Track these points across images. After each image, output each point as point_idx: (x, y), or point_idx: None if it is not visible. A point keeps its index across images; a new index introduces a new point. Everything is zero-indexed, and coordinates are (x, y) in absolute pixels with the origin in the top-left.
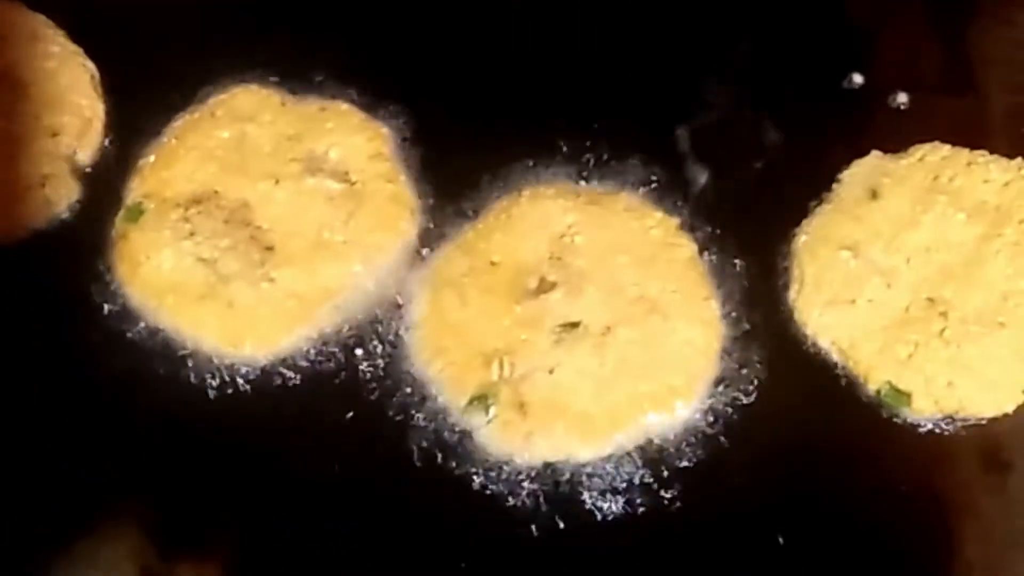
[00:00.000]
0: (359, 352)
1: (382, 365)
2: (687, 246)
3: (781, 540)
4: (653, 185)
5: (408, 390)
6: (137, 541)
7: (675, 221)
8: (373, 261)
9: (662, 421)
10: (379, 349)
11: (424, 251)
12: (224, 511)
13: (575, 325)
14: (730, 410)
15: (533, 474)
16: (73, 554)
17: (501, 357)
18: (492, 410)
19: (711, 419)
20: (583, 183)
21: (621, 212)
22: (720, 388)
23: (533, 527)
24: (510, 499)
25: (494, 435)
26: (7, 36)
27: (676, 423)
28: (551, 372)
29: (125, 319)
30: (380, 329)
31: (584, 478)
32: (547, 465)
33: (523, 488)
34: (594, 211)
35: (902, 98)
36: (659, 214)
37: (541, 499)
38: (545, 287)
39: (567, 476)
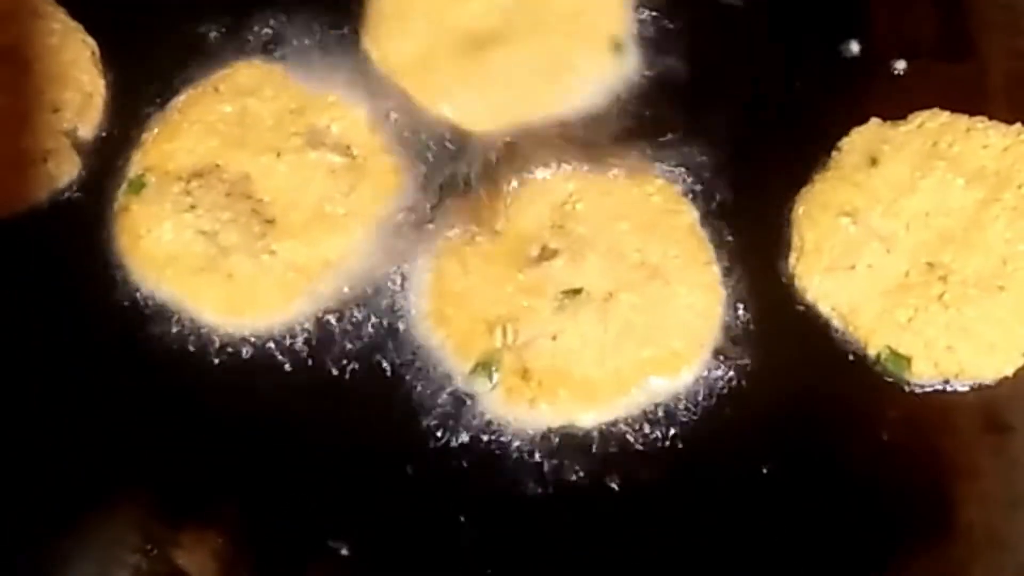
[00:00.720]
0: (361, 321)
1: (384, 334)
2: (687, 212)
3: (782, 501)
4: (653, 152)
5: (411, 357)
6: (141, 511)
7: (676, 188)
8: (374, 233)
9: (665, 386)
10: (382, 319)
11: (429, 225)
12: (227, 479)
13: (577, 292)
14: (732, 375)
15: (538, 439)
16: (77, 525)
17: (504, 324)
18: (496, 376)
19: (713, 384)
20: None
21: (622, 179)
22: (721, 355)
23: (537, 489)
24: (514, 463)
25: (498, 401)
26: (9, 13)
27: (679, 387)
28: (554, 339)
29: (126, 291)
30: (382, 299)
31: (588, 443)
32: (551, 430)
33: (527, 453)
34: (595, 178)
35: (900, 65)
36: (660, 181)
37: (545, 464)
38: (547, 254)
39: (571, 441)
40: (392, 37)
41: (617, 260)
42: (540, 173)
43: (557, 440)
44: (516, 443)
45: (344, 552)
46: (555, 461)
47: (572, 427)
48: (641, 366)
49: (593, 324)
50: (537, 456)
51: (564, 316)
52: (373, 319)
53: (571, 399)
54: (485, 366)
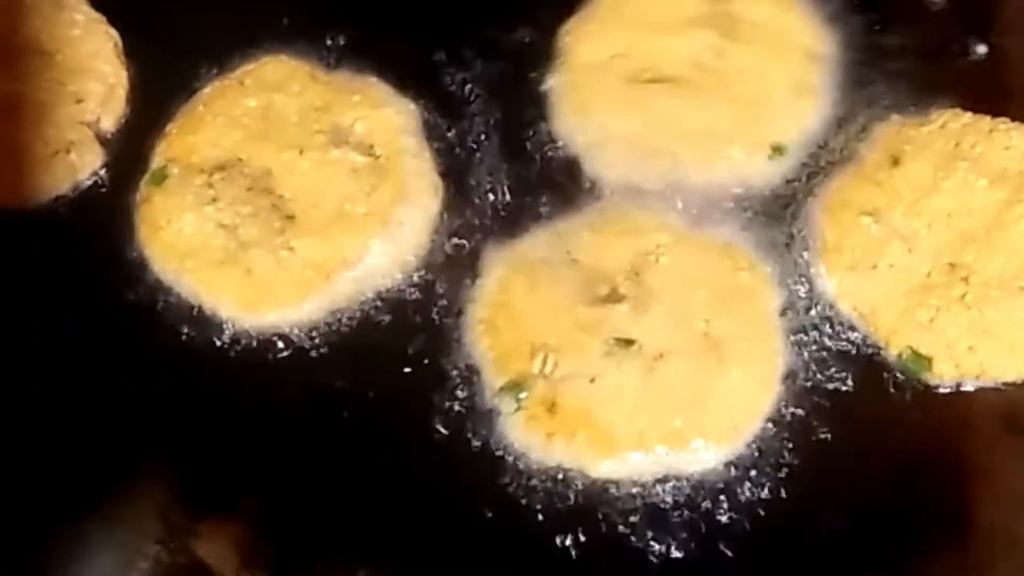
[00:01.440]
0: (386, 319)
1: (413, 334)
2: (772, 298)
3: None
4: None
5: (444, 361)
6: (162, 499)
7: (767, 270)
8: (393, 234)
9: (686, 461)
10: (412, 318)
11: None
12: (248, 471)
13: (630, 342)
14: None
15: (546, 474)
16: (99, 513)
17: (548, 353)
18: (522, 401)
19: (738, 472)
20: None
21: (716, 247)
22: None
23: (539, 519)
24: (522, 492)
25: (517, 425)
26: (31, 4)
27: (700, 466)
28: (592, 381)
29: (146, 282)
30: (408, 300)
31: (593, 493)
32: (561, 469)
33: (535, 485)
34: (689, 238)
35: (923, 64)
36: (754, 258)
37: (554, 500)
38: (614, 297)
39: (579, 486)
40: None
41: (681, 323)
42: (637, 216)
43: (562, 479)
44: (528, 472)
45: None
46: (558, 500)
47: (581, 472)
48: (667, 435)
49: (635, 378)
50: (545, 489)
51: (609, 362)
52: (401, 319)
53: (588, 445)
54: (516, 387)
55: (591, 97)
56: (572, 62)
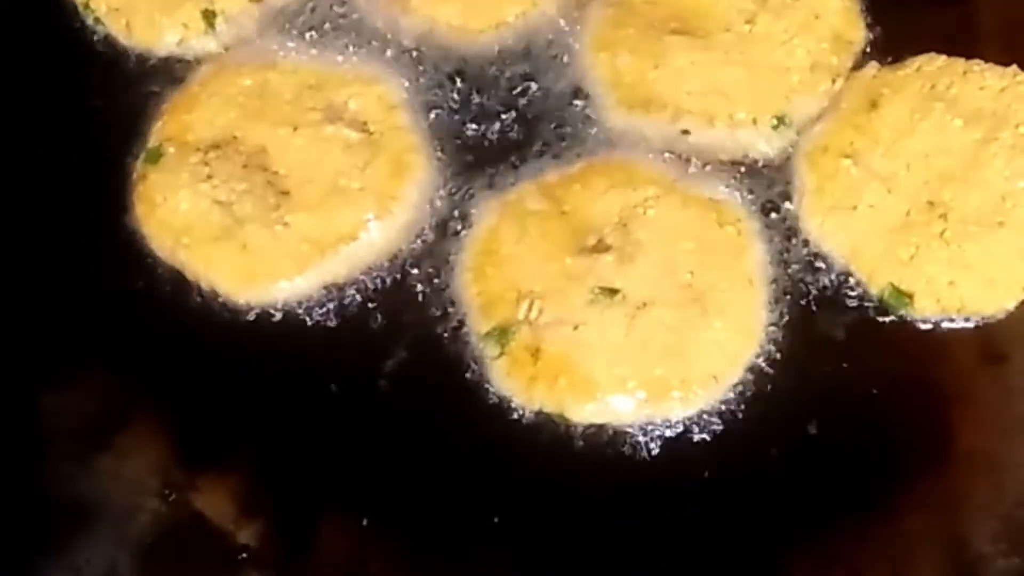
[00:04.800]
0: (381, 291)
1: (409, 306)
2: (758, 253)
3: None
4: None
5: (434, 308)
6: (161, 455)
7: (754, 225)
8: (388, 208)
9: (664, 409)
10: (406, 290)
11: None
12: (246, 425)
13: (614, 291)
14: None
15: (528, 415)
16: (96, 469)
17: (533, 299)
18: (507, 346)
19: (714, 415)
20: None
21: (704, 201)
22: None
23: (526, 461)
24: (510, 436)
25: (501, 370)
26: None
27: (678, 414)
28: (575, 328)
29: (143, 259)
30: (403, 272)
31: (575, 435)
32: (541, 413)
33: (521, 429)
34: (678, 192)
35: (895, 11)
36: (742, 212)
37: (538, 442)
38: (600, 247)
39: (557, 430)
40: None
41: (665, 274)
42: (628, 168)
43: (543, 422)
44: (515, 414)
45: (359, 499)
46: (542, 438)
47: (562, 416)
48: (648, 382)
49: (617, 327)
50: (531, 428)
51: (593, 310)
52: (396, 290)
53: (568, 390)
54: (501, 333)
55: (612, 35)
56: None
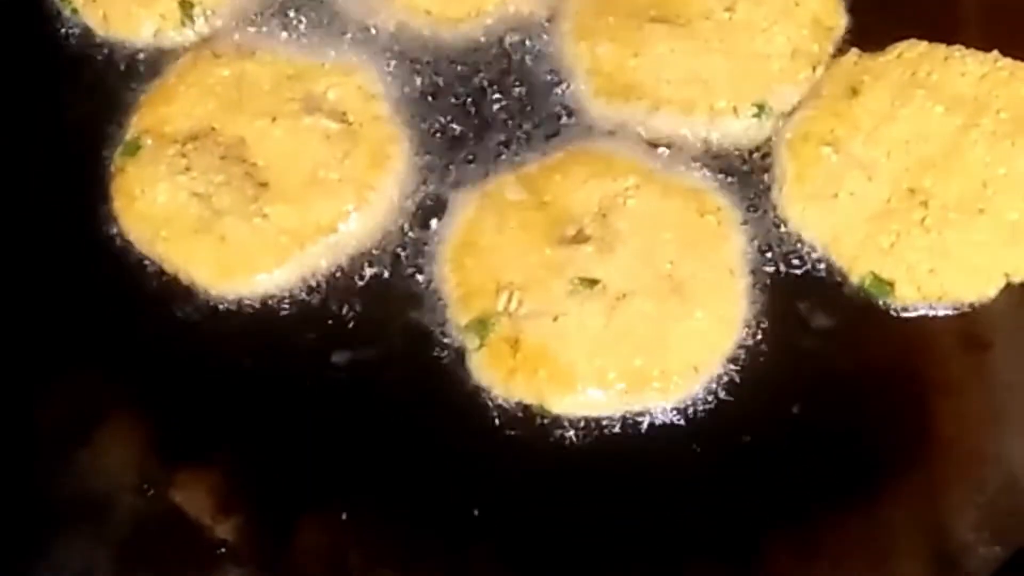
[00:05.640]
0: (361, 282)
1: (389, 296)
2: (735, 242)
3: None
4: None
5: (414, 300)
6: (138, 451)
7: (734, 215)
8: (367, 199)
9: (644, 399)
10: (383, 273)
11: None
12: (224, 420)
13: (594, 282)
14: (717, 405)
15: (508, 407)
16: (74, 465)
17: (513, 290)
18: (486, 337)
19: (695, 407)
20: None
21: (684, 191)
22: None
23: (508, 452)
24: (490, 428)
25: (481, 361)
26: None
27: (660, 404)
28: (555, 320)
29: (121, 252)
30: (382, 263)
31: (555, 427)
32: (521, 404)
33: (502, 420)
34: (658, 182)
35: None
36: (722, 202)
37: (520, 433)
38: (580, 238)
39: (537, 421)
40: None
41: (645, 264)
42: (607, 158)
43: (524, 414)
44: (493, 405)
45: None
46: (522, 429)
47: (542, 408)
48: (627, 373)
49: (596, 318)
50: (505, 424)
51: (572, 301)
52: (375, 281)
53: (548, 381)
54: (481, 324)
55: (592, 24)
56: None
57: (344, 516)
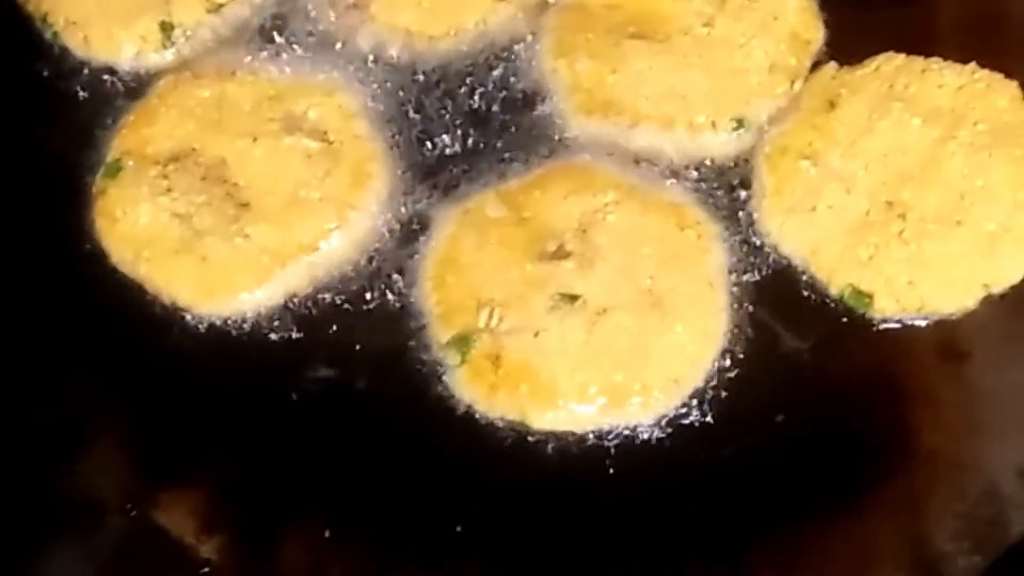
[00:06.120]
0: (343, 300)
1: (367, 296)
2: (716, 256)
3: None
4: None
5: (395, 317)
6: (121, 470)
7: (714, 228)
8: (348, 218)
9: (626, 414)
10: (368, 298)
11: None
12: (207, 439)
13: (575, 297)
14: (700, 421)
15: (493, 424)
16: (57, 485)
17: (494, 307)
18: (468, 354)
19: (676, 426)
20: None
21: (664, 205)
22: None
23: (490, 468)
24: (473, 444)
25: (463, 378)
26: None
27: (640, 420)
28: (536, 335)
29: (104, 273)
30: (364, 281)
31: (537, 442)
32: (503, 420)
33: (484, 436)
34: (638, 197)
35: (853, 10)
36: (701, 216)
37: (502, 449)
38: (561, 254)
39: (520, 437)
40: None
41: (625, 279)
42: (587, 174)
43: (506, 430)
44: (476, 422)
45: (321, 510)
46: (505, 445)
47: (524, 424)
48: (608, 388)
49: (577, 333)
50: (487, 440)
51: (553, 317)
52: (357, 299)
53: (529, 397)
54: (462, 341)
55: (571, 41)
56: (563, 2)
57: (327, 534)
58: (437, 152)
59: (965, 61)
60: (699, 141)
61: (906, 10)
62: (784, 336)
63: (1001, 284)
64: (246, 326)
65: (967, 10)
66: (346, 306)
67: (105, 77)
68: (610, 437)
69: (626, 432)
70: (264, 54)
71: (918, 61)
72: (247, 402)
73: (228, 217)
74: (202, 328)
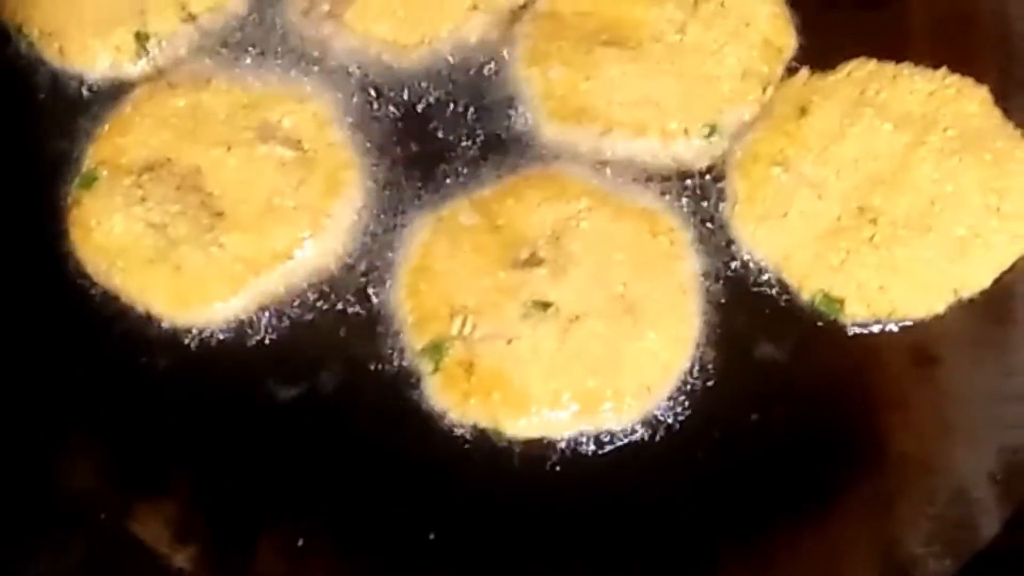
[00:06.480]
0: (318, 308)
1: (341, 304)
2: (688, 263)
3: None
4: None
5: (369, 325)
6: (94, 480)
7: (687, 235)
8: (323, 226)
9: (598, 420)
10: (343, 306)
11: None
12: (180, 448)
13: (547, 305)
14: (675, 424)
15: (464, 430)
16: (30, 495)
17: (467, 315)
18: (441, 362)
19: (651, 427)
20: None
21: (637, 212)
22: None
23: (465, 477)
24: (447, 452)
25: (436, 386)
26: None
27: (614, 424)
28: (509, 343)
29: (78, 283)
30: (338, 288)
31: (511, 449)
32: (476, 428)
33: (459, 444)
34: (611, 204)
35: (825, 16)
36: (674, 222)
37: (477, 458)
38: (533, 261)
39: (496, 444)
40: None
41: (598, 286)
42: (560, 181)
43: (479, 437)
44: (449, 431)
45: (295, 519)
46: (478, 451)
47: (497, 431)
48: (581, 394)
49: (550, 340)
50: (460, 447)
51: (526, 324)
52: (332, 307)
53: (503, 405)
54: (436, 349)
55: (544, 48)
56: (536, 10)
57: (301, 542)
58: (410, 160)
59: (936, 65)
60: (672, 148)
61: (877, 14)
62: (756, 342)
63: (971, 289)
64: (221, 335)
65: (938, 14)
66: (320, 315)
67: (80, 87)
68: (583, 444)
69: (599, 438)
70: (239, 63)
71: (889, 67)
72: (221, 410)
73: (203, 226)
74: (176, 337)
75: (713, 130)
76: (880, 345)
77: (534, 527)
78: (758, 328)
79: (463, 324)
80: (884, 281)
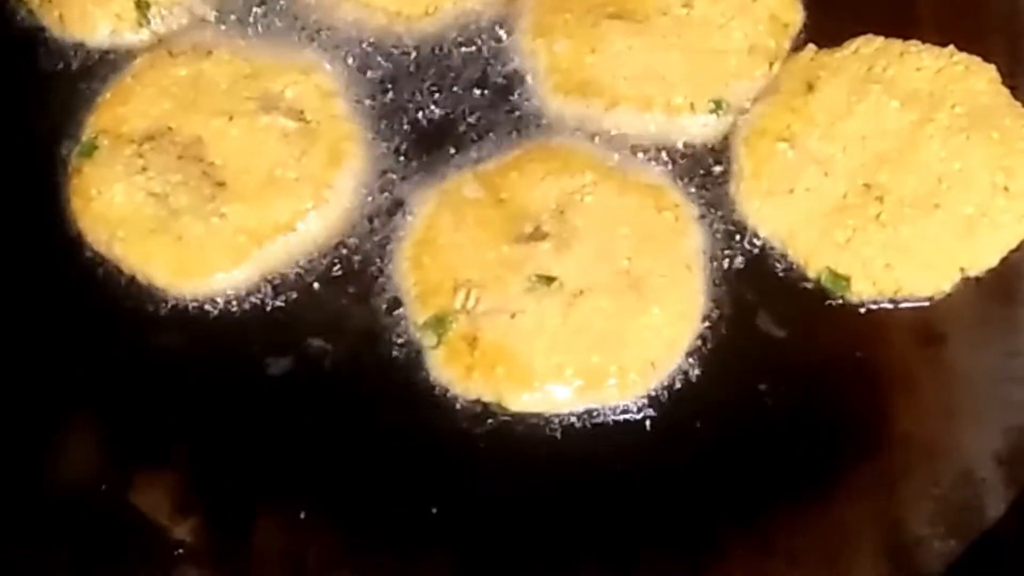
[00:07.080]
0: (320, 281)
1: (344, 277)
2: (693, 238)
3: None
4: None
5: (372, 298)
6: (95, 452)
7: (692, 211)
8: (325, 198)
9: (602, 394)
10: (344, 279)
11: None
12: (181, 420)
13: (551, 279)
14: (679, 397)
15: (468, 405)
16: (31, 466)
17: (470, 288)
18: (443, 335)
19: (654, 403)
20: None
21: (641, 187)
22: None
23: (467, 452)
24: (450, 426)
25: (439, 360)
26: None
27: (617, 400)
28: (512, 317)
29: (79, 252)
30: (341, 261)
31: (513, 424)
32: (479, 402)
33: (461, 418)
34: (615, 178)
35: None
36: (680, 198)
37: (479, 426)
38: (538, 235)
39: (499, 419)
40: None
41: (602, 261)
42: (564, 155)
43: (482, 411)
44: (453, 404)
45: (295, 492)
46: (481, 427)
47: (500, 406)
48: (585, 370)
49: (554, 314)
50: (463, 421)
51: (529, 298)
52: (334, 279)
53: (506, 379)
54: (439, 322)
55: (549, 21)
56: None
57: (302, 515)
58: (414, 132)
59: (944, 43)
60: (677, 123)
61: None
62: (761, 318)
63: (978, 267)
64: (222, 306)
65: None
66: (322, 287)
67: (80, 55)
68: (585, 419)
69: (602, 414)
70: (241, 33)
71: (897, 44)
72: (222, 382)
73: (204, 196)
74: (178, 308)
75: (719, 105)
76: (886, 323)
77: (536, 502)
78: (763, 305)
79: (466, 298)
80: (890, 259)
